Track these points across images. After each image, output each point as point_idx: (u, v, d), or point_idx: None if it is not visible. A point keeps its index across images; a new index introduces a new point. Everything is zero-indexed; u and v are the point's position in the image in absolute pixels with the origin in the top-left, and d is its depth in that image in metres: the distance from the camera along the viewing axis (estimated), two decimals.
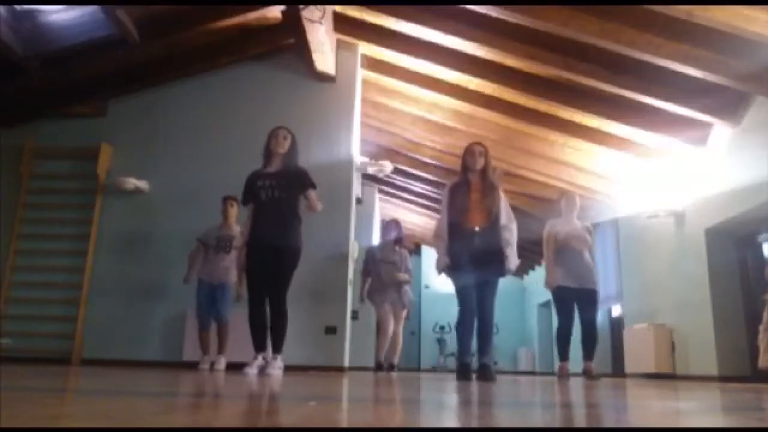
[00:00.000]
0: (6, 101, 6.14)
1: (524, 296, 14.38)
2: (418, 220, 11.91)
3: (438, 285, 14.72)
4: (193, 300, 5.13)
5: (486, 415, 1.36)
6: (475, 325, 3.81)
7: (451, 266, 3.85)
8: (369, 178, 9.17)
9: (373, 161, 7.13)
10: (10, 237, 5.99)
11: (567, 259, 4.96)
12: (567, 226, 5.08)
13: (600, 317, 9.58)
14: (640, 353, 7.04)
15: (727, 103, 5.45)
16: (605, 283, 9.20)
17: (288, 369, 5.38)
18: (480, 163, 3.95)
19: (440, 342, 13.96)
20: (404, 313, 5.45)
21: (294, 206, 3.97)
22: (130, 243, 5.98)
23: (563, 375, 4.96)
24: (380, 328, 5.33)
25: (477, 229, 3.82)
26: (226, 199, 5.20)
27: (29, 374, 2.83)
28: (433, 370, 13.31)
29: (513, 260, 3.84)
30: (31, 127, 6.38)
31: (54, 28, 5.47)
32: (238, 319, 4.79)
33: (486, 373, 3.69)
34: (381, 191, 10.70)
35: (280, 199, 3.91)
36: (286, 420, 1.05)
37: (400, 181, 9.82)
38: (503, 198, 3.98)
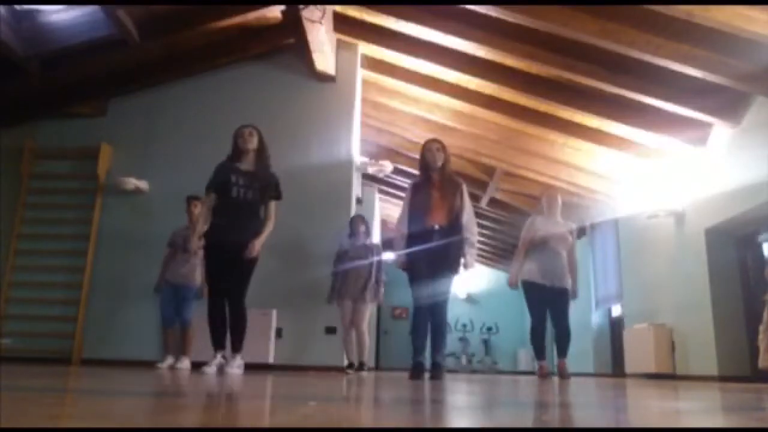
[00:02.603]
0: (6, 101, 6.14)
1: (524, 296, 14.35)
2: None
3: None
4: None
5: (489, 415, 1.36)
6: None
7: (408, 264, 3.82)
8: (369, 178, 9.17)
9: (373, 161, 7.13)
10: (10, 237, 5.99)
11: (542, 257, 4.86)
12: (548, 224, 4.97)
13: (600, 317, 9.60)
14: (640, 353, 7.04)
15: (727, 103, 5.44)
16: (605, 283, 9.21)
17: (288, 369, 5.39)
18: (439, 159, 3.91)
19: None
20: (369, 308, 5.31)
21: (258, 211, 3.97)
22: (130, 243, 5.98)
23: (543, 375, 4.87)
24: (344, 327, 5.22)
25: (437, 227, 3.79)
26: (190, 200, 5.19)
27: (29, 374, 2.83)
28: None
29: (471, 261, 3.84)
30: (31, 127, 6.38)
31: (54, 28, 5.48)
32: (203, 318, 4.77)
33: (438, 372, 3.69)
34: (381, 191, 10.71)
35: (252, 201, 3.89)
36: (286, 420, 1.05)
37: (400, 181, 9.82)
38: (467, 197, 3.93)
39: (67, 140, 6.30)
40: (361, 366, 5.13)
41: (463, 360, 13.59)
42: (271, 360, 5.36)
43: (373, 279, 5.22)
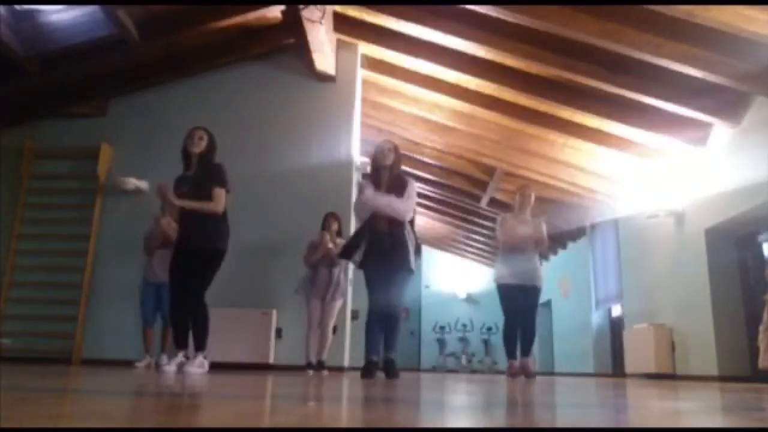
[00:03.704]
0: (6, 101, 6.14)
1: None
2: (418, 219, 11.89)
3: (438, 285, 14.73)
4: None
5: (488, 415, 1.36)
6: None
7: (362, 265, 3.83)
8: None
9: None
10: (10, 237, 5.99)
11: (512, 257, 4.85)
12: (516, 223, 4.94)
13: (600, 317, 9.60)
14: (640, 353, 7.04)
15: (727, 103, 5.45)
16: (605, 283, 9.21)
17: (288, 368, 5.39)
18: (390, 158, 3.90)
19: (440, 342, 13.97)
20: (336, 304, 5.26)
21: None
22: (130, 243, 5.97)
23: (513, 374, 4.84)
24: (307, 326, 5.19)
25: (385, 230, 3.78)
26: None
27: (29, 374, 2.83)
28: (433, 369, 13.31)
29: (413, 260, 3.87)
30: (31, 127, 6.38)
31: (54, 28, 5.48)
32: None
33: (391, 370, 3.69)
34: None
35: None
36: (286, 420, 1.05)
37: None
38: (413, 195, 3.88)
39: (67, 140, 6.30)
40: (320, 365, 5.06)
41: (463, 360, 13.60)
42: (271, 360, 5.36)
43: (340, 278, 5.18)
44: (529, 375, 4.79)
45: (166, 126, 6.37)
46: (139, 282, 5.28)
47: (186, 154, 3.92)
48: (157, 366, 4.83)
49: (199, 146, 3.89)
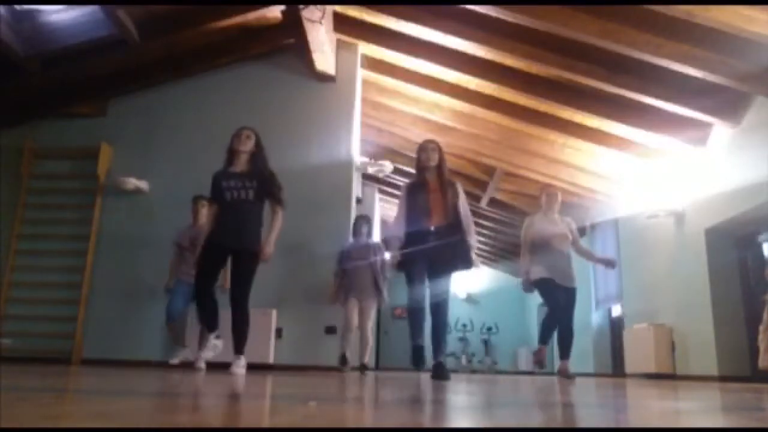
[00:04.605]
0: (6, 101, 6.14)
1: (524, 296, 14.35)
2: None
3: None
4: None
5: (490, 415, 1.36)
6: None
7: (405, 265, 3.80)
8: (369, 178, 9.17)
9: (373, 161, 7.13)
10: (10, 237, 5.99)
11: (547, 256, 4.82)
12: (547, 223, 4.93)
13: (600, 317, 9.60)
14: (640, 353, 7.04)
15: (727, 103, 5.45)
16: (605, 283, 9.21)
17: (288, 369, 5.39)
18: (434, 159, 3.89)
19: None
20: (374, 307, 5.34)
21: (259, 212, 3.95)
22: (130, 243, 5.98)
23: (539, 359, 4.84)
24: (344, 324, 5.23)
25: (433, 228, 3.77)
26: (197, 199, 5.21)
27: (29, 374, 2.83)
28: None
29: (475, 261, 3.87)
30: (31, 127, 6.38)
31: (54, 28, 5.48)
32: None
33: (440, 372, 3.65)
34: (381, 191, 10.71)
35: (247, 200, 3.88)
36: (286, 420, 1.05)
37: (400, 181, 9.82)
38: (463, 197, 3.92)
39: (67, 140, 6.30)
40: (363, 367, 5.13)
41: (463, 360, 13.60)
42: (271, 360, 5.36)
43: (376, 278, 5.25)
44: (569, 376, 4.77)
45: (166, 126, 6.37)
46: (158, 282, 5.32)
47: (231, 153, 3.98)
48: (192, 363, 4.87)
49: (247, 145, 3.95)
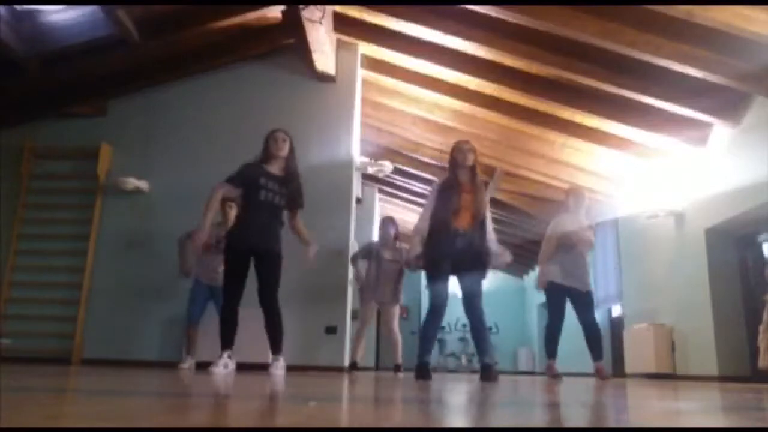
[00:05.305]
0: (6, 101, 6.14)
1: (524, 296, 14.37)
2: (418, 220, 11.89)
3: None
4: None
5: (489, 415, 1.36)
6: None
7: (430, 265, 3.78)
8: (369, 178, 9.17)
9: (373, 161, 7.13)
10: (10, 237, 5.99)
11: (568, 258, 4.83)
12: (575, 224, 4.92)
13: (600, 317, 9.60)
14: (640, 353, 7.04)
15: (727, 103, 5.44)
16: (605, 283, 9.20)
17: (288, 369, 5.39)
18: (470, 159, 3.90)
19: (440, 342, 13.97)
20: (397, 309, 5.37)
21: (281, 215, 4.06)
22: (130, 243, 5.98)
23: (553, 374, 4.85)
24: (360, 326, 5.26)
25: (461, 230, 3.75)
26: (225, 201, 5.19)
27: (29, 374, 2.83)
28: (434, 370, 13.30)
29: (506, 255, 3.87)
30: (31, 127, 6.37)
31: (54, 28, 5.47)
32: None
33: (489, 374, 3.59)
34: (381, 191, 10.71)
35: (278, 206, 3.97)
36: (286, 420, 1.05)
37: (400, 181, 9.82)
38: (487, 202, 3.95)
39: (67, 140, 6.30)
40: (397, 368, 5.14)
41: (463, 360, 13.60)
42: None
43: (397, 283, 5.29)
44: (604, 377, 4.75)
45: (166, 126, 6.37)
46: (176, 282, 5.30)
47: (268, 154, 4.02)
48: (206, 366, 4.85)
49: (284, 150, 4.02)
